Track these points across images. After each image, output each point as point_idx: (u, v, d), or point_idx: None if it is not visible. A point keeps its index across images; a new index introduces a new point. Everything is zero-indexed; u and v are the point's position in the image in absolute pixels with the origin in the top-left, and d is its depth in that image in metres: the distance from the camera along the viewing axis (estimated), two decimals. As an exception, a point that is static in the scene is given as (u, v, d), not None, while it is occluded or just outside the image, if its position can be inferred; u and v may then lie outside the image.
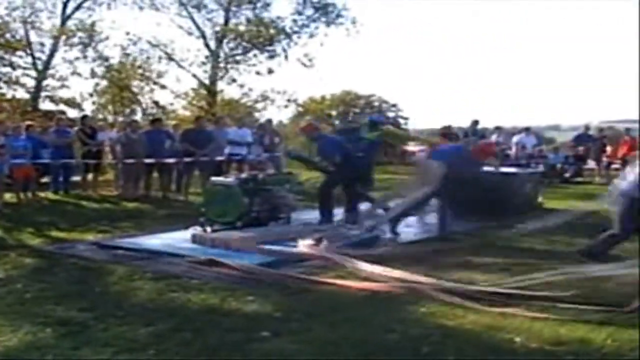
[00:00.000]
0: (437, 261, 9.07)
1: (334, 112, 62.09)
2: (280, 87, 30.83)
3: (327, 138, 13.55)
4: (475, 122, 24.65)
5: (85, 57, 26.53)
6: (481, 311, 6.59)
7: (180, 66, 27.94)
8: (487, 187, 13.67)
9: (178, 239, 10.54)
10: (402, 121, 65.50)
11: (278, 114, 46.72)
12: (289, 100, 30.26)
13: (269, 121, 21.65)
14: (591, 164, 25.43)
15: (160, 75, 27.98)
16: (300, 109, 38.92)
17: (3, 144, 14.95)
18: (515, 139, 24.48)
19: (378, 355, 5.34)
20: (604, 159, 24.65)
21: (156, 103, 28.47)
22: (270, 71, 28.35)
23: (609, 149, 24.80)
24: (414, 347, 5.52)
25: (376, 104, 64.05)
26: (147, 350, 5.39)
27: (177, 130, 19.27)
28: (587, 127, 27.11)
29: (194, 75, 28.37)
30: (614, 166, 24.33)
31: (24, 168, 15.41)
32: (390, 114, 64.71)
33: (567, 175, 23.69)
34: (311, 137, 13.18)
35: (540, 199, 15.64)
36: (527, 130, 25.18)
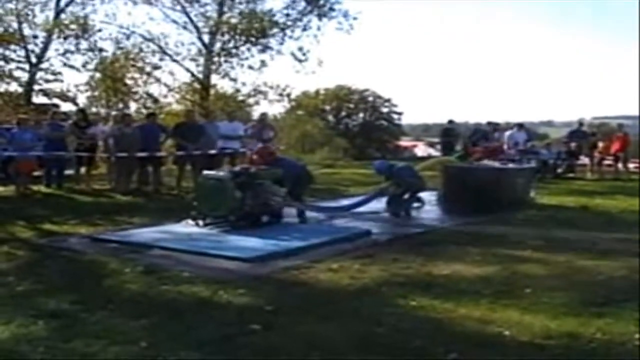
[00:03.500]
0: (428, 253, 9.14)
1: (327, 107, 62.33)
2: (274, 81, 30.65)
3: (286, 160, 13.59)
4: (450, 122, 25.03)
5: (78, 49, 26.44)
6: (471, 304, 6.62)
7: (173, 60, 27.87)
8: (479, 183, 13.77)
9: (170, 233, 10.55)
10: (395, 116, 65.87)
11: (270, 108, 46.54)
12: (281, 95, 30.14)
13: (264, 115, 21.59)
14: (584, 159, 25.50)
15: (155, 67, 27.91)
16: (294, 103, 38.85)
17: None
18: (507, 134, 24.52)
19: (368, 349, 5.36)
20: (597, 154, 24.71)
21: (150, 95, 28.40)
22: (263, 64, 28.29)
23: (601, 144, 24.85)
24: (405, 340, 5.54)
25: (370, 99, 64.22)
26: (139, 343, 5.40)
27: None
28: (580, 123, 27.16)
29: (187, 69, 28.33)
30: (606, 162, 24.44)
31: (29, 161, 15.45)
32: (384, 109, 65.01)
33: (559, 171, 23.71)
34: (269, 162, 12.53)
35: (532, 195, 15.67)
36: (519, 126, 25.21)
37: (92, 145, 17.35)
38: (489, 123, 25.30)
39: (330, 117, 63.11)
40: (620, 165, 24.14)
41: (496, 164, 16.55)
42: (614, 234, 10.87)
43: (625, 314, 6.35)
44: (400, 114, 66.28)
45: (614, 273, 8.16)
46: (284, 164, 12.60)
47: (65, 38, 26.15)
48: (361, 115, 64.55)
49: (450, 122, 26.35)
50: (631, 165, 25.66)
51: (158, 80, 28.26)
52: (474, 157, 19.11)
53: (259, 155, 12.70)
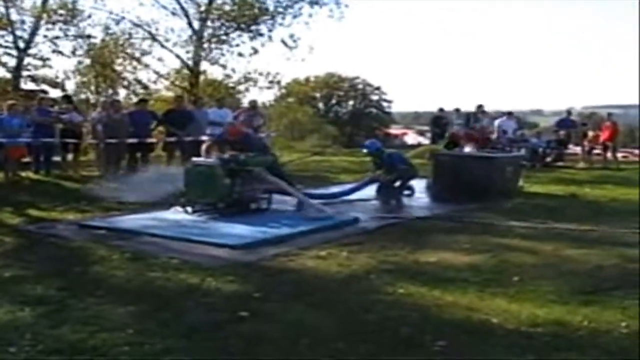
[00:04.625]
0: (416, 241, 9.17)
1: (317, 95, 62.28)
2: (264, 68, 30.56)
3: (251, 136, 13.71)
4: (441, 110, 25.08)
5: (67, 35, 26.30)
6: (459, 292, 6.63)
7: (163, 46, 27.76)
8: (468, 171, 13.81)
9: (159, 219, 10.52)
10: (385, 104, 65.92)
11: (260, 95, 46.52)
12: (271, 82, 30.09)
13: (254, 102, 21.54)
14: (573, 148, 25.57)
15: (144, 53, 27.82)
16: (284, 90, 38.80)
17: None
18: (496, 123, 24.55)
19: (356, 337, 5.36)
20: (586, 143, 24.78)
21: (139, 82, 28.32)
22: (254, 51, 28.21)
23: (590, 133, 24.93)
24: (393, 328, 5.55)
25: (360, 86, 64.23)
26: (126, 330, 5.38)
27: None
28: (568, 112, 27.25)
29: (177, 56, 28.21)
30: (595, 151, 24.52)
31: (18, 148, 15.40)
32: (374, 97, 65.03)
33: (548, 159, 23.76)
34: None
35: (521, 183, 15.71)
36: (508, 114, 25.25)
37: (76, 132, 17.28)
38: (479, 107, 25.34)
39: (320, 105, 63.10)
40: (609, 154, 24.22)
41: (485, 153, 16.58)
42: (603, 223, 10.89)
43: (613, 303, 6.38)
44: (390, 101, 66.42)
45: (602, 262, 8.18)
46: (249, 139, 12.78)
47: (53, 23, 26.01)
48: (351, 103, 64.59)
49: (441, 110, 26.37)
50: (619, 155, 25.74)
51: (147, 66, 28.19)
52: (461, 143, 19.19)
53: (229, 133, 12.74)
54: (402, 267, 7.79)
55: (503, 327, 5.65)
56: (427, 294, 6.60)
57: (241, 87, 30.25)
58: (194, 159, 12.05)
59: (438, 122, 25.82)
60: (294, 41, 28.27)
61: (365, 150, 14.70)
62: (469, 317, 5.92)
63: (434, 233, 9.94)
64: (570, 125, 25.67)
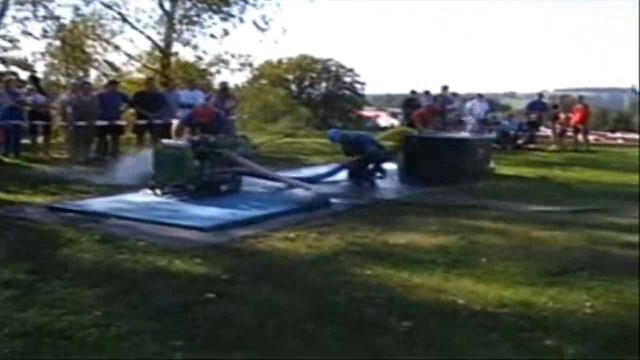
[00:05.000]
0: (385, 223, 9.20)
1: (290, 77, 62.11)
2: (236, 50, 30.47)
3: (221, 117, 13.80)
4: (413, 92, 25.16)
5: (36, 16, 26.03)
6: (426, 274, 6.67)
7: (134, 27, 27.56)
8: (439, 153, 13.86)
9: (128, 202, 10.48)
10: (358, 86, 65.85)
11: (232, 77, 46.29)
12: (243, 64, 30.02)
13: (225, 84, 21.45)
14: (544, 131, 25.76)
15: (114, 34, 27.62)
16: (256, 72, 38.69)
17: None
18: (468, 105, 24.65)
19: (324, 318, 5.38)
20: (557, 126, 24.96)
21: (110, 64, 28.12)
22: (225, 33, 28.10)
23: (562, 116, 25.10)
24: (360, 309, 5.58)
25: (333, 68, 64.07)
26: (94, 312, 5.36)
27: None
28: (540, 95, 27.40)
29: (148, 37, 28.04)
30: (567, 133, 24.72)
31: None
32: (347, 79, 64.94)
33: (520, 142, 23.90)
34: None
35: (492, 165, 15.80)
36: (479, 96, 25.36)
37: (44, 114, 17.18)
38: (444, 88, 25.47)
39: (293, 87, 62.93)
40: (580, 136, 24.41)
41: (456, 135, 16.68)
42: (572, 205, 10.99)
43: (579, 284, 6.46)
44: (363, 84, 66.29)
45: (570, 244, 8.26)
46: (219, 120, 13.00)
47: (22, 4, 25.73)
48: (324, 85, 64.46)
49: (413, 92, 26.41)
50: (591, 137, 25.97)
51: (118, 48, 28.00)
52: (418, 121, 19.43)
53: (198, 114, 12.74)
54: (371, 248, 7.82)
55: (469, 307, 5.69)
56: (395, 275, 6.63)
57: (213, 69, 30.16)
58: (164, 140, 12.01)
59: (410, 104, 25.86)
60: (266, 23, 28.20)
61: (331, 141, 14.75)
62: (436, 298, 5.96)
63: (403, 215, 9.97)
64: (542, 108, 25.82)
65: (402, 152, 14.79)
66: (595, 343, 4.96)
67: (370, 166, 13.60)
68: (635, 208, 10.59)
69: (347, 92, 64.64)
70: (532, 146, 23.91)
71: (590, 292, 6.17)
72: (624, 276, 6.75)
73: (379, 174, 13.77)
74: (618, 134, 35.30)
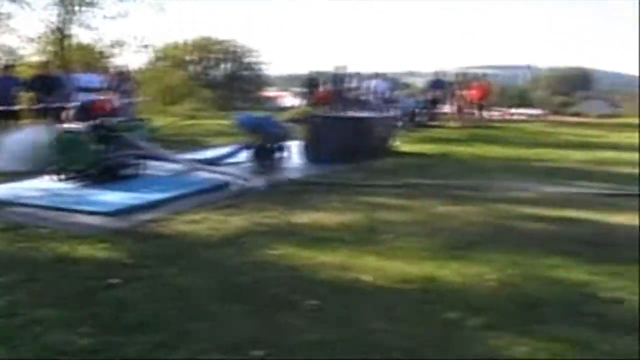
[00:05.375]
0: (290, 203, 9.25)
1: (191, 58, 61.51)
2: (135, 32, 30.05)
3: None
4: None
5: None
6: (332, 252, 6.73)
7: (29, 9, 26.90)
8: (341, 132, 13.96)
9: (29, 188, 10.25)
10: (261, 67, 65.63)
11: (132, 59, 45.67)
12: (143, 46, 29.62)
13: (123, 67, 21.14)
14: (445, 108, 26.18)
15: (9, 16, 26.88)
16: (158, 54, 38.22)
17: None
18: (367, 84, 24.86)
19: (229, 299, 5.37)
20: (457, 103, 25.41)
21: (5, 47, 27.40)
22: (124, 14, 27.63)
23: (463, 93, 25.55)
24: (265, 289, 5.59)
25: (235, 49, 63.64)
26: (-4, 302, 5.26)
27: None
28: (437, 74, 27.87)
29: (44, 19, 27.40)
30: (465, 110, 25.20)
31: None
32: (250, 60, 64.63)
33: (418, 119, 24.12)
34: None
35: (396, 143, 15.97)
36: (379, 75, 25.61)
37: None
38: (337, 67, 25.66)
39: (195, 69, 62.36)
40: (482, 113, 24.95)
41: (356, 114, 16.84)
42: (471, 181, 11.21)
43: (481, 257, 6.61)
44: (266, 64, 66.05)
45: (470, 218, 8.44)
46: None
47: None
48: (225, 66, 64.04)
49: (316, 72, 26.53)
50: (495, 114, 26.56)
51: (13, 30, 27.27)
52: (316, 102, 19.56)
53: (93, 108, 12.57)
54: (276, 228, 7.84)
55: (374, 284, 5.76)
56: (300, 254, 6.66)
57: (111, 51, 29.66)
58: (65, 125, 11.78)
59: (311, 84, 25.95)
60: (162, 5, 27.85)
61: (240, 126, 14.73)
62: (342, 275, 6.01)
63: (308, 194, 10.02)
64: (442, 86, 26.24)
65: (305, 132, 14.83)
66: (497, 314, 5.08)
67: (272, 146, 13.59)
68: (537, 182, 10.94)
69: (249, 73, 64.38)
70: (433, 123, 24.22)
71: (492, 265, 6.31)
72: (526, 248, 6.96)
73: (280, 154, 13.76)
74: (520, 110, 36.29)
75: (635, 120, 25.33)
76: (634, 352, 4.42)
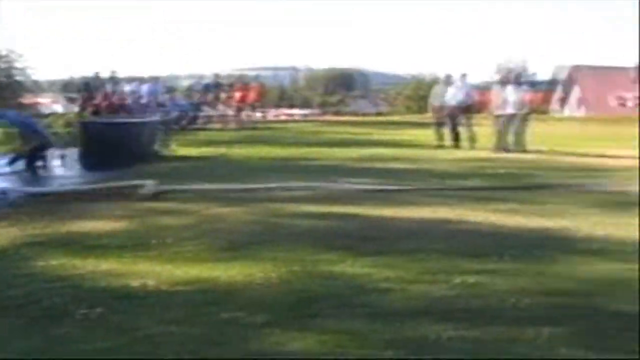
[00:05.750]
0: (66, 211, 9.14)
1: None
2: None
3: None
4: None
5: None
6: (103, 258, 6.72)
7: None
8: (109, 138, 13.87)
9: None
10: (30, 72, 63.10)
11: None
12: None
13: None
14: (221, 111, 26.32)
15: None
16: None
17: None
18: (127, 88, 24.68)
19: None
20: (234, 105, 25.61)
21: None
22: None
23: (238, 95, 25.75)
24: (40, 300, 5.49)
25: (1, 55, 60.91)
26: None
27: None
28: (201, 77, 28.16)
29: None
30: (244, 112, 25.50)
31: None
32: (18, 65, 62.04)
33: (184, 122, 23.97)
34: None
35: (164, 147, 15.92)
36: (152, 79, 25.48)
37: None
38: (96, 73, 25.47)
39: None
40: (254, 114, 25.37)
41: (127, 119, 16.82)
42: (245, 183, 11.34)
43: (254, 256, 6.78)
44: (32, 69, 63.62)
45: (241, 219, 8.65)
46: None
47: None
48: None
49: (95, 74, 26.07)
50: (271, 115, 27.07)
51: None
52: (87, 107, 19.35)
53: None
54: (54, 238, 7.71)
55: (158, 287, 5.80)
56: (80, 263, 6.55)
57: None
58: None
59: (88, 88, 25.49)
60: None
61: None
62: (125, 282, 5.97)
63: (84, 202, 9.89)
64: (211, 89, 26.46)
65: (79, 138, 14.62)
66: (273, 312, 5.20)
67: (42, 153, 13.25)
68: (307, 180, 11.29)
69: (18, 79, 61.78)
70: (196, 126, 24.13)
71: (267, 263, 6.47)
72: (300, 245, 7.19)
73: (41, 162, 13.36)
74: (293, 110, 37.10)
75: (396, 118, 26.69)
76: (402, 337, 4.71)
